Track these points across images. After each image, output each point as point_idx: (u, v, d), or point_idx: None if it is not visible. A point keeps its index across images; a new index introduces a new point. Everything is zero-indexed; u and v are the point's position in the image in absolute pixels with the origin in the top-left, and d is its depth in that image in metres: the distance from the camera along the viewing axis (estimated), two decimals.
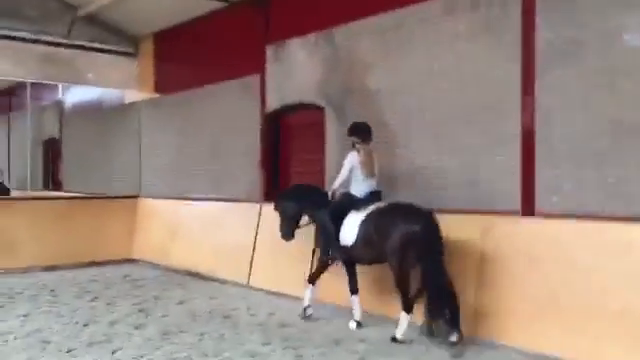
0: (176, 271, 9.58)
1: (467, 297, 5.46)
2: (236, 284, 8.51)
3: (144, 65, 11.47)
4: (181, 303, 7.36)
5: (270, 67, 8.67)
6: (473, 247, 5.74)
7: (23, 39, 10.14)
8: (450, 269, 5.35)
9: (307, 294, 6.35)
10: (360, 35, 7.29)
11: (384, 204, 5.83)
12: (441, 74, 6.41)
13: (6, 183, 14.95)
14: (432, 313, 5.27)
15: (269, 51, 8.67)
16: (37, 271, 9.77)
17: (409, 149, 6.76)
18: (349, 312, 6.20)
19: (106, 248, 10.88)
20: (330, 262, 6.24)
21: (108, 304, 7.29)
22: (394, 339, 5.47)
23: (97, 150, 13.24)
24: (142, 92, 11.59)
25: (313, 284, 6.35)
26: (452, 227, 5.64)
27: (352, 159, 6.04)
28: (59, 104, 15.17)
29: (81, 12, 10.42)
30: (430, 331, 5.39)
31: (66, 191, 14.23)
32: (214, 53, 9.81)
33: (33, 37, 10.23)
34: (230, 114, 9.50)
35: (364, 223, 5.71)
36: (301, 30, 8.11)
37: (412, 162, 6.70)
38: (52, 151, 15.93)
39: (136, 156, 11.78)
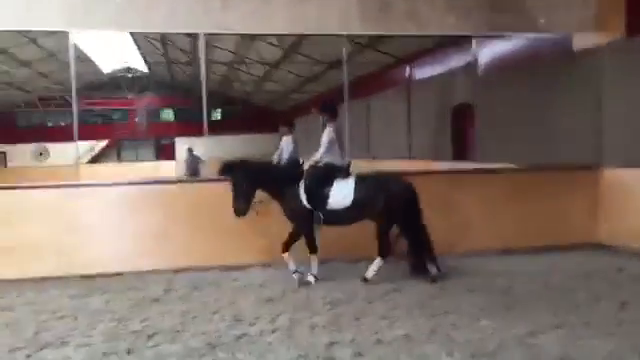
0: None
1: None
2: None
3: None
4: None
5: None
6: None
7: None
8: None
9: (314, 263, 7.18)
10: None
11: (369, 173, 7.72)
12: None
13: (405, 153, 14.72)
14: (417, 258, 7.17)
15: None
16: (492, 255, 8.60)
17: None
18: None
19: (563, 230, 9.20)
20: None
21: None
22: (365, 279, 7.03)
23: (525, 112, 11.59)
24: (603, 35, 9.34)
25: (315, 252, 7.20)
26: None
27: (331, 134, 7.10)
28: (471, 65, 14.08)
29: None
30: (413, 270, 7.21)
31: (483, 162, 13.03)
32: None
33: None
34: None
35: (358, 187, 6.96)
36: None
37: None
38: (462, 118, 15.06)
39: (592, 116, 9.64)
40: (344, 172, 7.17)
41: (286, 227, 7.35)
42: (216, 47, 24.62)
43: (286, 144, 9.98)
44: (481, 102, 13.57)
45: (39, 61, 28.26)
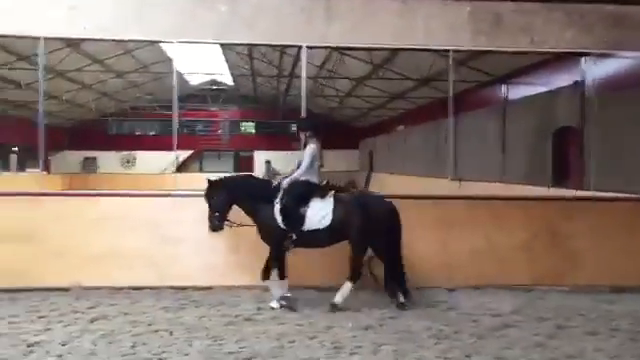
0: None
1: None
2: None
3: None
4: None
5: None
6: None
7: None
8: None
9: (279, 289, 6.84)
10: None
11: (351, 193, 7.49)
12: None
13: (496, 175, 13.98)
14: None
15: None
16: (603, 292, 7.89)
17: None
18: None
19: None
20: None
21: None
22: (334, 306, 6.66)
23: None
24: None
25: (283, 278, 6.89)
26: None
27: (313, 151, 6.92)
28: (578, 85, 13.27)
29: None
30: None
31: (590, 189, 12.16)
32: None
33: None
34: None
35: (337, 207, 6.71)
36: None
37: None
38: (566, 142, 14.21)
39: None
40: (322, 191, 6.89)
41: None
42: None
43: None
44: (590, 126, 12.72)
45: (132, 72, 29.43)
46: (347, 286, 6.76)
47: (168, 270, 7.79)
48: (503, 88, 17.84)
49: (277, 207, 6.74)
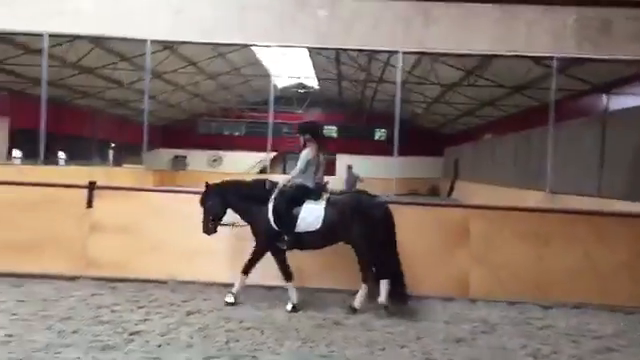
0: None
1: None
2: None
3: None
4: None
5: None
6: None
7: None
8: None
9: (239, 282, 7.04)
10: None
11: (344, 194, 7.35)
12: None
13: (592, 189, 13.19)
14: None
15: None
16: None
17: None
18: None
19: None
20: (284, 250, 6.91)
21: None
22: (353, 309, 6.74)
23: None
24: None
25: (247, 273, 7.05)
26: None
27: (308, 154, 6.97)
28: None
29: None
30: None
31: None
32: None
33: None
34: None
35: (329, 209, 6.76)
36: None
37: None
38: None
39: None
40: (316, 194, 6.96)
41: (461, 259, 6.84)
42: (392, 66, 24.63)
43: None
44: None
45: (224, 74, 30.37)
46: (362, 289, 6.87)
47: (258, 269, 7.92)
48: (603, 98, 16.97)
49: (270, 209, 6.88)
